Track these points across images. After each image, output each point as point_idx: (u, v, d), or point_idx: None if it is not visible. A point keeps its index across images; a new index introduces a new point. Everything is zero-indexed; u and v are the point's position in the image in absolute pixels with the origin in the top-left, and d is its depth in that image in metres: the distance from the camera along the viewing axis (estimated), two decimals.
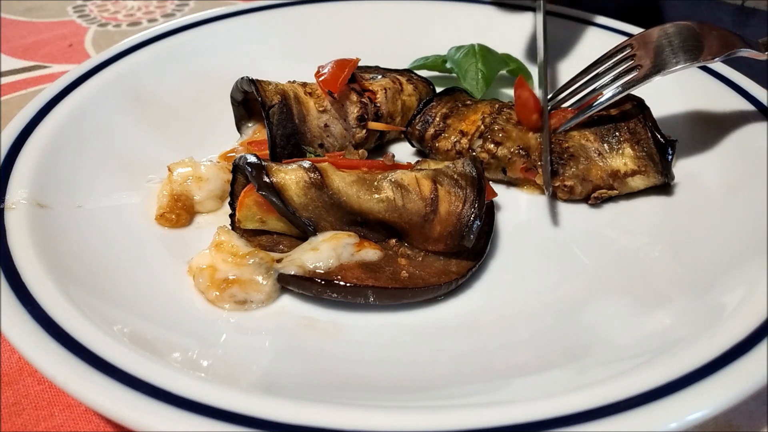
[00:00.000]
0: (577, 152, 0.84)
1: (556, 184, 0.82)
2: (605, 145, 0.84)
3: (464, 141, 0.88)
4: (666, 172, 0.82)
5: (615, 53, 0.88)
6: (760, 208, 0.74)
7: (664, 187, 0.84)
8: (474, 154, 0.86)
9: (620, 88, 0.83)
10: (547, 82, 0.96)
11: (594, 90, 0.87)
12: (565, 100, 0.91)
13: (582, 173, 0.82)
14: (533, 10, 1.06)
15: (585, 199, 0.84)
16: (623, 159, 0.83)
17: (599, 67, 0.89)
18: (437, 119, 0.91)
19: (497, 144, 0.86)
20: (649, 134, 0.83)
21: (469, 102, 0.95)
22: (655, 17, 1.29)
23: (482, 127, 0.88)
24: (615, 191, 0.83)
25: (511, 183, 0.89)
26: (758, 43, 0.82)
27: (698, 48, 0.81)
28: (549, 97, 0.93)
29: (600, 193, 0.83)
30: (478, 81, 1.01)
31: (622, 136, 0.84)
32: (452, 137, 0.89)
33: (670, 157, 0.82)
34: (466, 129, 0.89)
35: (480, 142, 0.87)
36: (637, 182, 0.83)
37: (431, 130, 0.91)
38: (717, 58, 0.79)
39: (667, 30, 0.85)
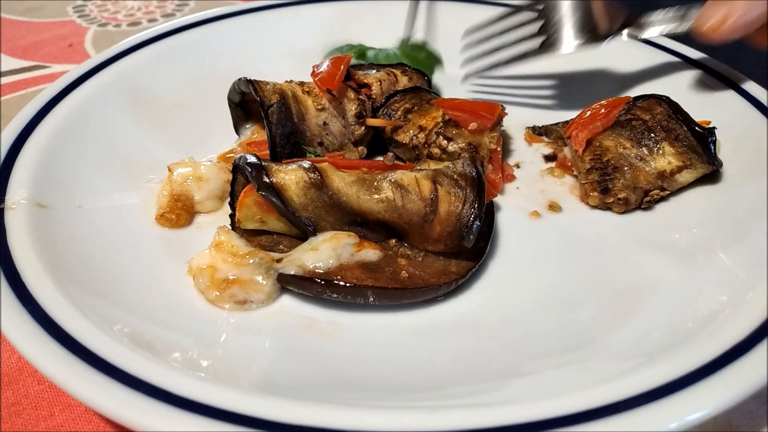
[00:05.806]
0: (618, 162, 0.83)
1: (610, 200, 0.82)
2: (644, 148, 0.84)
3: (421, 136, 0.90)
4: (712, 160, 0.82)
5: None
6: (760, 207, 0.74)
7: (713, 176, 0.83)
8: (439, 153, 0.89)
9: (516, 59, 0.97)
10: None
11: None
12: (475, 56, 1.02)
13: (631, 182, 0.82)
14: None
15: (638, 206, 0.83)
16: (666, 158, 0.83)
17: (507, 22, 1.00)
18: (399, 113, 0.92)
19: (449, 140, 0.88)
20: (685, 128, 0.83)
21: (433, 100, 0.95)
22: None
23: (441, 123, 0.89)
24: (666, 191, 0.83)
25: None
26: (640, 24, 0.92)
27: (595, 27, 0.93)
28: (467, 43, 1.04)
29: (652, 195, 0.82)
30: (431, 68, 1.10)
31: (657, 135, 0.84)
32: (411, 131, 0.91)
33: (712, 144, 0.82)
34: (425, 124, 0.91)
35: (435, 137, 0.88)
36: (686, 177, 0.82)
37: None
38: (604, 41, 0.92)
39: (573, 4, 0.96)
